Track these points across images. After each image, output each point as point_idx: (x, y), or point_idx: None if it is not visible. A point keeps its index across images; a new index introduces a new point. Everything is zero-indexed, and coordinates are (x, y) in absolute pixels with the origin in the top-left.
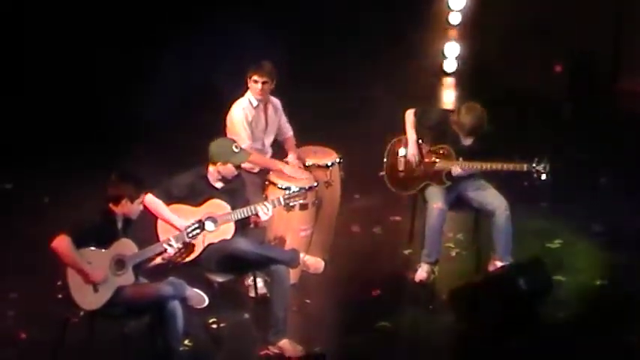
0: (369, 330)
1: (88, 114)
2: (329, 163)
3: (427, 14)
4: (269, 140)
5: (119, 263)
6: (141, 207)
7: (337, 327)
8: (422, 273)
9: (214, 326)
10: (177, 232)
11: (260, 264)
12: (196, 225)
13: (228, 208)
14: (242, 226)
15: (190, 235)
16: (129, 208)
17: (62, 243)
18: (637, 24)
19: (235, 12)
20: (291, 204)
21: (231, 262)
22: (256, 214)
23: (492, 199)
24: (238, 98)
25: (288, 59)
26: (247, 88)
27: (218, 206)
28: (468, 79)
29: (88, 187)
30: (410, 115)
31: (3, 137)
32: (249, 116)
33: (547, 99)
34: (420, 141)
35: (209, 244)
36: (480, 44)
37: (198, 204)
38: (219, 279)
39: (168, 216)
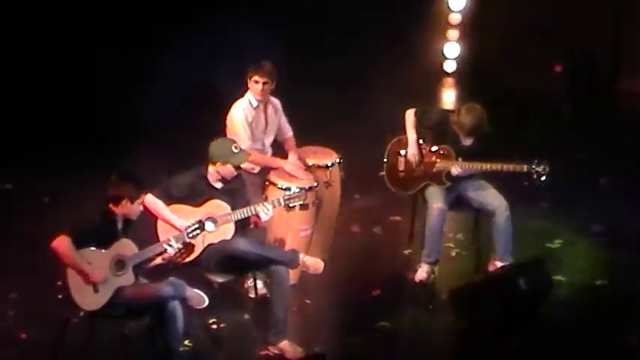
0: (369, 330)
1: (88, 114)
2: (329, 164)
3: (427, 14)
4: (269, 140)
5: (119, 263)
6: (141, 207)
7: (337, 327)
8: (422, 273)
9: (214, 327)
10: (177, 233)
11: (260, 264)
12: (196, 225)
13: (228, 208)
14: (242, 226)
15: (190, 235)
16: (129, 208)
17: (62, 243)
18: (637, 24)
19: (235, 12)
20: (291, 204)
21: (231, 262)
22: (256, 215)
23: (492, 199)
24: (238, 98)
25: (288, 59)
26: (247, 89)
27: (218, 207)
28: (468, 79)
29: (88, 187)
30: (410, 115)
31: (3, 137)
32: (249, 117)
33: (547, 99)
34: (421, 141)
35: (209, 245)
36: (480, 44)
37: (198, 204)
38: (219, 279)
39: (168, 216)
